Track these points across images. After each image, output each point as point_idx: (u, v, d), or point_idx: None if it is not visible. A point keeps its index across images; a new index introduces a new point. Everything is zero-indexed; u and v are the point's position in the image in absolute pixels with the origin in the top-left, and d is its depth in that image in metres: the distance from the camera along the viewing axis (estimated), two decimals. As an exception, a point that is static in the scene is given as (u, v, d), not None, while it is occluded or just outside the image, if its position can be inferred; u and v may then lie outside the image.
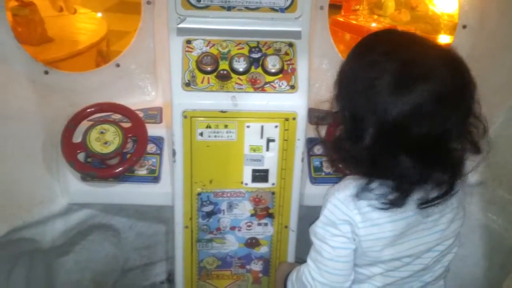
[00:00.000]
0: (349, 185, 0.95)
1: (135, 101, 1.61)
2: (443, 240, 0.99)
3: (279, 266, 1.40)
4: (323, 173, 1.48)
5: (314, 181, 1.47)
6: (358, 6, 3.67)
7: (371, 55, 0.90)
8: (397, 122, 0.83)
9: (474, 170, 0.94)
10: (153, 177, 1.43)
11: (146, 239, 1.78)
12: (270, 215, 1.40)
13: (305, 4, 1.29)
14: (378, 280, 1.00)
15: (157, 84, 1.66)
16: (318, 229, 0.99)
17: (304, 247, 1.53)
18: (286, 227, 1.42)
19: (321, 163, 1.49)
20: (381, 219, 0.93)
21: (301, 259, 1.52)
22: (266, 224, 1.42)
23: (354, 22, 3.41)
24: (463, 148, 0.88)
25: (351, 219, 0.94)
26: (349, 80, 0.92)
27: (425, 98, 0.82)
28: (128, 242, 1.75)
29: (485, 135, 0.89)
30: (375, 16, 3.43)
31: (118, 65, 1.61)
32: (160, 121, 1.55)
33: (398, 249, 0.96)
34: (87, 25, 2.83)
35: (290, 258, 1.47)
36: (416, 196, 0.90)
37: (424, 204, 0.91)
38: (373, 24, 3.25)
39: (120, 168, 1.34)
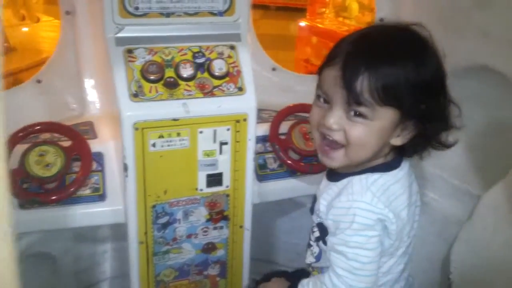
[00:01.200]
0: (364, 185, 0.99)
1: (60, 118, 1.52)
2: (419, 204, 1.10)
3: (271, 283, 1.32)
4: (268, 170, 1.52)
5: (261, 178, 1.50)
6: (323, 9, 3.72)
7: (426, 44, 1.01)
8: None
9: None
10: (98, 196, 1.36)
11: (83, 262, 1.69)
12: (225, 218, 1.41)
13: (243, 7, 1.31)
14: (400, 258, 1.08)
15: (83, 98, 1.58)
16: (350, 237, 0.98)
17: (255, 244, 1.57)
18: (241, 227, 1.44)
19: (264, 160, 1.53)
20: (396, 201, 1.00)
21: (255, 257, 1.56)
22: (221, 227, 1.42)
23: (320, 25, 3.46)
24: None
25: (385, 216, 0.97)
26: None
27: None
28: (65, 268, 1.64)
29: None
30: (340, 19, 3.50)
31: (39, 81, 1.50)
32: (95, 136, 1.48)
33: (408, 224, 1.04)
34: (51, 33, 2.59)
35: (246, 256, 1.49)
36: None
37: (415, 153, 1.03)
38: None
39: (67, 191, 1.26)
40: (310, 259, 1.16)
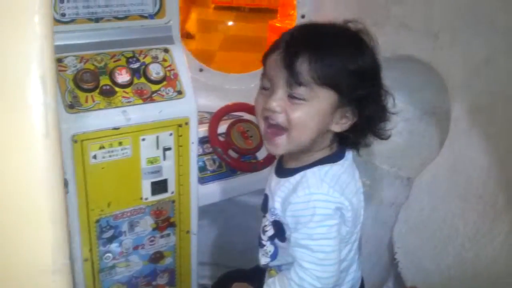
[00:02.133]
0: (318, 178, 1.01)
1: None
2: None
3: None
4: (208, 172, 1.51)
5: (202, 181, 1.49)
6: (292, 11, 3.67)
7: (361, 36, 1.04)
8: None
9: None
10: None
11: None
12: (172, 224, 1.38)
13: (173, 9, 1.29)
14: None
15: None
16: (314, 229, 0.99)
17: (201, 248, 1.55)
18: (187, 232, 1.42)
19: (204, 162, 1.52)
20: (347, 188, 1.02)
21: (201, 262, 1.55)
22: (168, 235, 1.39)
23: (289, 27, 3.39)
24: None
25: (342, 204, 0.99)
26: (351, 65, 1.01)
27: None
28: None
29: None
30: None
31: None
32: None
33: (360, 211, 1.09)
34: None
35: (193, 262, 1.47)
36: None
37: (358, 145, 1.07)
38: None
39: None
40: (264, 259, 1.15)
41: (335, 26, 1.05)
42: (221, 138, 1.51)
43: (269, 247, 1.15)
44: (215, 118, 1.49)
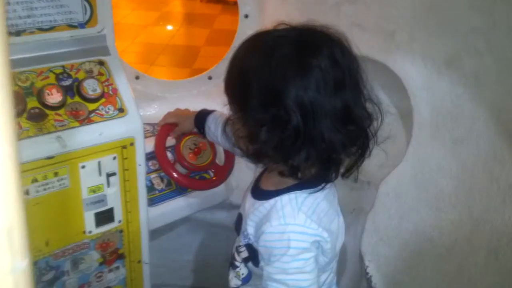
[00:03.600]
0: (295, 206, 0.90)
1: None
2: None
3: None
4: (157, 191, 1.38)
5: (151, 202, 1.35)
6: None
7: (262, 43, 0.88)
8: (313, 97, 0.82)
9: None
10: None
11: None
12: (121, 256, 1.24)
13: (106, 15, 1.14)
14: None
15: None
16: (288, 264, 0.89)
17: (152, 270, 1.42)
18: (139, 262, 1.28)
19: (150, 181, 1.38)
20: (326, 217, 0.92)
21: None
22: (117, 268, 1.25)
23: None
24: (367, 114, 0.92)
25: (320, 236, 0.90)
26: (251, 73, 0.87)
27: (329, 68, 0.83)
28: None
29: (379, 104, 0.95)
30: None
31: None
32: None
33: (339, 242, 0.99)
34: None
35: (147, 292, 1.34)
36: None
37: (347, 172, 0.94)
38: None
39: None
40: (235, 281, 1.05)
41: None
42: (168, 153, 1.38)
43: (242, 270, 1.04)
44: (163, 131, 1.36)
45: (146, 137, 1.40)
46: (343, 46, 0.88)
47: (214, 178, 1.39)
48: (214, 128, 1.25)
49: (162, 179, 1.39)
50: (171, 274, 1.71)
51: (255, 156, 0.90)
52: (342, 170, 0.95)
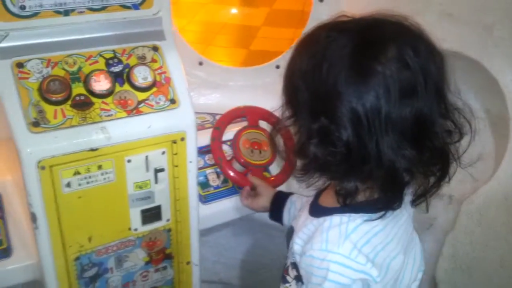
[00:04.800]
0: (343, 231, 0.76)
1: None
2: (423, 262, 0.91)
3: None
4: (212, 188, 1.28)
5: (205, 200, 1.26)
6: None
7: (318, 38, 0.74)
8: (370, 106, 0.68)
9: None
10: (1, 250, 1.06)
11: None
12: (168, 256, 1.16)
13: (163, -4, 1.04)
14: None
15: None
16: None
17: (203, 264, 1.33)
18: (188, 263, 1.19)
19: (206, 177, 1.29)
20: (383, 252, 0.78)
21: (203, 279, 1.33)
22: (164, 268, 1.17)
23: None
24: (449, 130, 0.76)
25: (367, 275, 0.76)
26: (302, 74, 0.74)
27: (395, 70, 0.68)
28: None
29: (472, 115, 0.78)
30: None
31: None
32: (-13, 172, 1.15)
33: (405, 280, 0.84)
34: None
35: (196, 295, 1.26)
36: (407, 198, 0.79)
37: (418, 198, 0.79)
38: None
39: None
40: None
41: None
42: (226, 147, 1.28)
43: (293, 286, 0.92)
44: (220, 124, 1.25)
45: (205, 128, 1.32)
46: (418, 43, 0.71)
47: (272, 178, 1.27)
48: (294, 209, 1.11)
49: (218, 175, 1.29)
50: (227, 272, 1.63)
51: (302, 172, 0.77)
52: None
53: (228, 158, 1.27)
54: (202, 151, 1.29)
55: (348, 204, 0.76)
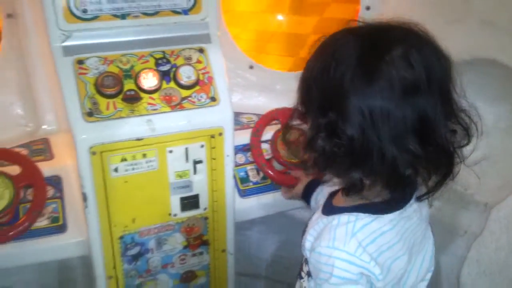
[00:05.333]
0: (349, 230, 0.81)
1: (12, 135, 1.34)
2: (433, 263, 0.94)
3: None
4: (251, 183, 1.36)
5: (243, 194, 1.34)
6: None
7: (331, 42, 0.79)
8: (374, 105, 0.72)
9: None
10: (58, 227, 1.19)
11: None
12: (205, 242, 1.25)
13: (211, 3, 1.13)
14: None
15: (36, 110, 1.39)
16: None
17: (240, 258, 1.41)
18: (223, 251, 1.28)
19: (246, 172, 1.37)
20: (388, 252, 0.82)
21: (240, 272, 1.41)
22: (201, 253, 1.26)
23: None
24: (453, 130, 0.79)
25: (370, 272, 0.80)
26: (319, 76, 0.79)
27: (399, 70, 0.72)
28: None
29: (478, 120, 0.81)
30: None
31: (-17, 96, 1.31)
32: (51, 156, 1.30)
33: (410, 280, 0.87)
34: None
35: (230, 282, 1.34)
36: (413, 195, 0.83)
37: (424, 195, 0.82)
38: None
39: (19, 228, 1.09)
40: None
41: None
42: (266, 146, 1.35)
43: (306, 283, 0.98)
44: (261, 122, 1.33)
45: (250, 127, 1.40)
46: (423, 46, 0.75)
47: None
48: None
49: (258, 171, 1.36)
50: (266, 267, 1.69)
51: (312, 166, 0.82)
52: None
53: (267, 157, 1.34)
54: (245, 148, 1.37)
55: (350, 195, 0.81)
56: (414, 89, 0.72)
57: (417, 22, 0.77)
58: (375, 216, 0.81)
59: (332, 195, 0.93)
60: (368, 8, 1.42)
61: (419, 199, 0.84)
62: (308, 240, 0.89)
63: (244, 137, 1.35)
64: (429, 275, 0.93)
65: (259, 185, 1.36)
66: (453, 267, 1.20)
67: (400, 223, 0.83)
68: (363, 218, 0.81)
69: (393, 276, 0.83)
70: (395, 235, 0.82)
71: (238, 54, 1.56)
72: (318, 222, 0.88)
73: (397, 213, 0.82)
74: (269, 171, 1.30)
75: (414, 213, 0.85)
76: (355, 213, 0.82)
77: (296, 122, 0.87)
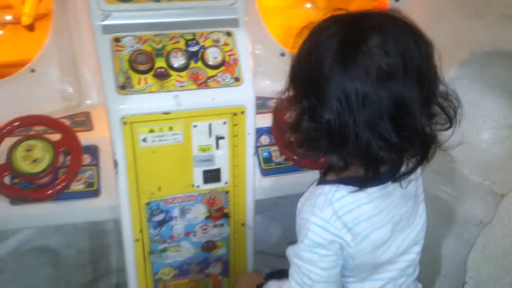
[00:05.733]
0: (328, 199, 0.88)
1: (57, 108, 1.47)
2: (419, 234, 0.99)
3: (238, 280, 1.31)
4: (274, 164, 1.43)
5: (265, 173, 1.41)
6: None
7: (316, 27, 0.85)
8: (349, 89, 0.77)
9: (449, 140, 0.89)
10: (92, 191, 1.31)
11: (87, 255, 1.64)
12: (226, 215, 1.33)
13: (240, -11, 1.21)
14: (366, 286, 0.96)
15: (80, 86, 1.51)
16: (303, 252, 0.90)
17: (259, 242, 1.49)
18: (242, 224, 1.36)
19: (269, 153, 1.44)
20: (366, 222, 0.88)
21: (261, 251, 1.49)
22: (222, 225, 1.34)
23: None
24: (432, 114, 0.83)
25: (341, 239, 0.88)
26: (303, 61, 0.86)
27: (375, 57, 0.77)
28: (68, 262, 1.60)
29: (458, 106, 0.85)
30: None
31: (33, 70, 1.44)
32: (91, 128, 1.41)
33: (390, 251, 0.93)
34: None
35: (249, 255, 1.41)
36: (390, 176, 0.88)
37: (398, 177, 0.87)
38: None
39: (57, 188, 1.21)
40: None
41: None
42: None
43: None
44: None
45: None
46: (402, 32, 0.79)
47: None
48: None
49: (281, 153, 1.43)
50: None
51: (297, 146, 0.88)
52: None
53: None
54: (270, 131, 1.45)
55: (325, 176, 0.88)
56: (389, 77, 0.76)
57: (398, 10, 0.81)
58: (355, 188, 0.87)
59: (327, 170, 0.98)
60: (397, 0, 1.45)
61: (394, 180, 0.88)
62: (299, 203, 0.96)
63: (271, 120, 1.42)
64: (416, 248, 0.97)
65: (281, 165, 1.43)
66: (462, 254, 1.23)
67: (380, 199, 0.89)
68: (342, 190, 0.88)
69: (369, 244, 0.89)
70: (374, 208, 0.88)
71: (271, 41, 1.63)
72: (309, 190, 0.95)
73: (375, 189, 0.88)
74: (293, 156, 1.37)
75: (395, 189, 0.90)
76: (336, 185, 0.88)
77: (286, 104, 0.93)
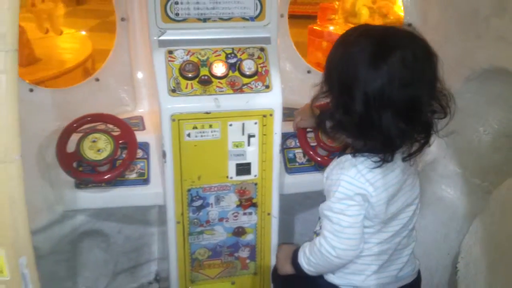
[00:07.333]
0: (353, 163, 1.11)
1: (115, 112, 1.72)
2: (415, 198, 1.20)
3: (280, 247, 1.48)
4: (297, 164, 1.65)
5: (290, 171, 1.63)
6: (333, 16, 3.89)
7: (349, 39, 1.09)
8: (377, 91, 1.01)
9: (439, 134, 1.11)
10: (143, 180, 1.55)
11: (133, 242, 1.88)
12: (254, 205, 1.55)
13: (272, 13, 1.45)
14: (378, 237, 1.18)
15: (135, 95, 1.78)
16: (334, 204, 1.12)
17: (284, 231, 1.69)
18: (268, 214, 1.57)
19: (294, 155, 1.66)
20: (382, 180, 1.11)
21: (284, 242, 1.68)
22: (250, 213, 1.56)
23: (330, 28, 3.60)
24: (434, 110, 1.07)
25: (365, 190, 1.10)
26: (339, 67, 1.09)
27: (397, 69, 1.00)
28: (117, 247, 1.83)
29: (451, 100, 1.08)
30: (350, 25, 3.64)
31: (97, 80, 1.71)
32: (143, 128, 1.67)
33: (396, 205, 1.15)
34: (73, 44, 2.92)
35: (274, 242, 1.62)
36: (399, 155, 1.11)
37: (407, 157, 1.11)
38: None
39: (116, 172, 1.45)
40: (317, 227, 1.28)
41: None
42: (311, 135, 1.63)
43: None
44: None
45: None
46: (418, 49, 1.03)
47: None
48: None
49: (304, 155, 1.65)
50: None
51: (332, 132, 1.12)
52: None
53: (313, 144, 1.62)
54: (296, 135, 1.67)
55: (344, 152, 1.13)
56: (407, 84, 1.01)
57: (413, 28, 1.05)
58: (372, 159, 1.10)
59: (343, 149, 1.21)
60: (409, 24, 1.66)
61: (404, 159, 1.11)
62: (325, 172, 1.20)
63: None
64: (412, 208, 1.20)
65: (303, 165, 1.65)
66: (460, 241, 1.41)
67: (388, 170, 1.12)
68: (361, 157, 1.11)
69: (385, 195, 1.12)
70: (385, 171, 1.11)
71: (299, 60, 1.87)
72: (333, 162, 1.19)
73: (387, 164, 1.11)
74: (317, 158, 1.58)
75: (397, 167, 1.14)
76: (358, 154, 1.12)
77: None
